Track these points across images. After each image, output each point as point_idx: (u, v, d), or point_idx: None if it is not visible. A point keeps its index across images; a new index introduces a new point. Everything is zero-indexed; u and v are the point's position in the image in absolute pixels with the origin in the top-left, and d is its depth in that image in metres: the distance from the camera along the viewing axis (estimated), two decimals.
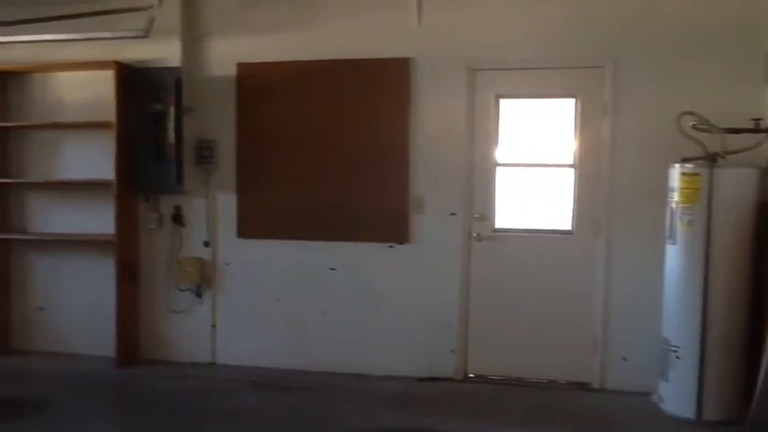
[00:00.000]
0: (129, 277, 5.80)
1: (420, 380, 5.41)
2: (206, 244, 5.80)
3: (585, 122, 5.15)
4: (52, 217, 6.10)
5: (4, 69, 5.93)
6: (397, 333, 5.46)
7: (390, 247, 5.43)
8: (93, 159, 5.87)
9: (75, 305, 6.07)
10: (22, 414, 4.70)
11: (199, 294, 5.81)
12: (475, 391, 5.22)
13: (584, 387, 5.21)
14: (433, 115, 5.33)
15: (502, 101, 5.31)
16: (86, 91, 5.88)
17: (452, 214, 5.33)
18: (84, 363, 5.88)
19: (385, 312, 5.47)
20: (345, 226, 5.49)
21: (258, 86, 5.61)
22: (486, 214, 5.34)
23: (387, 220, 5.41)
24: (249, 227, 5.70)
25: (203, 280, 5.80)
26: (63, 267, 6.10)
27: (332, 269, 5.57)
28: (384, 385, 5.31)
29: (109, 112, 5.58)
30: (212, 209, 5.76)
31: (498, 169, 5.34)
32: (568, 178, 5.23)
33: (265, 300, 5.70)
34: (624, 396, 5.05)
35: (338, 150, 5.48)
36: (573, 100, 5.18)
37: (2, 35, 5.49)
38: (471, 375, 5.42)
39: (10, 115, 6.08)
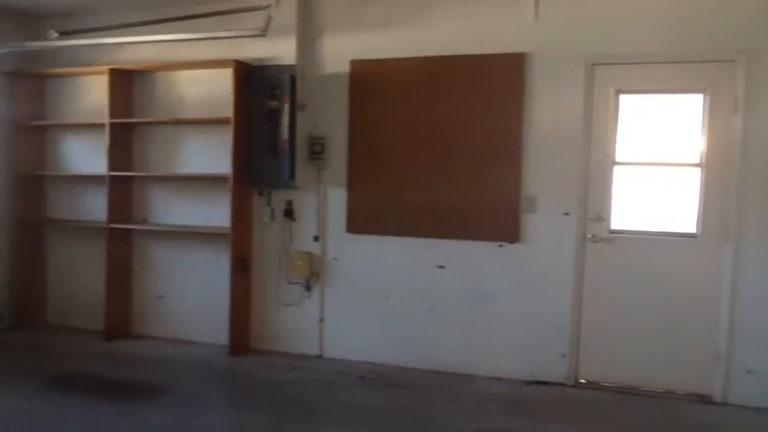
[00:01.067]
0: (242, 269, 6.07)
1: (528, 383, 5.38)
2: (316, 238, 5.99)
3: (714, 119, 4.96)
4: (171, 209, 6.49)
5: (130, 68, 6.34)
6: (505, 334, 5.46)
7: (500, 246, 5.43)
8: (211, 154, 6.19)
9: (191, 294, 6.43)
10: (144, 396, 5.04)
11: (308, 288, 6.02)
12: (586, 397, 5.14)
13: (704, 400, 5.03)
14: (547, 112, 5.28)
15: (622, 96, 5.18)
16: (206, 88, 6.21)
17: (566, 214, 5.26)
18: (199, 349, 6.22)
19: (493, 312, 5.48)
20: (455, 224, 5.54)
21: (370, 83, 5.74)
22: (602, 215, 5.24)
23: (497, 219, 5.41)
24: (358, 222, 5.84)
25: (312, 274, 6.00)
26: (180, 257, 6.47)
27: (440, 267, 5.62)
28: (491, 387, 5.33)
29: (227, 109, 5.85)
30: (323, 204, 5.94)
31: (616, 168, 5.21)
32: (694, 178, 5.05)
33: (372, 295, 5.83)
34: (750, 412, 4.85)
35: (449, 147, 5.53)
36: (701, 95, 4.97)
37: (130, 36, 5.85)
38: (582, 381, 5.34)
39: (135, 111, 6.51)
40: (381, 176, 5.76)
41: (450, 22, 5.54)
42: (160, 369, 5.67)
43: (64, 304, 7.03)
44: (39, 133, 6.93)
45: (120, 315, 6.59)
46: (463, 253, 5.57)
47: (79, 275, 6.90)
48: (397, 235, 5.75)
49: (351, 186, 5.85)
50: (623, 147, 5.25)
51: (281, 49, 5.84)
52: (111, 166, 6.33)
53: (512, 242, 5.42)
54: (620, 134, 5.25)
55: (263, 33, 5.25)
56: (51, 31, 6.06)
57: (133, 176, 6.52)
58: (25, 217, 6.85)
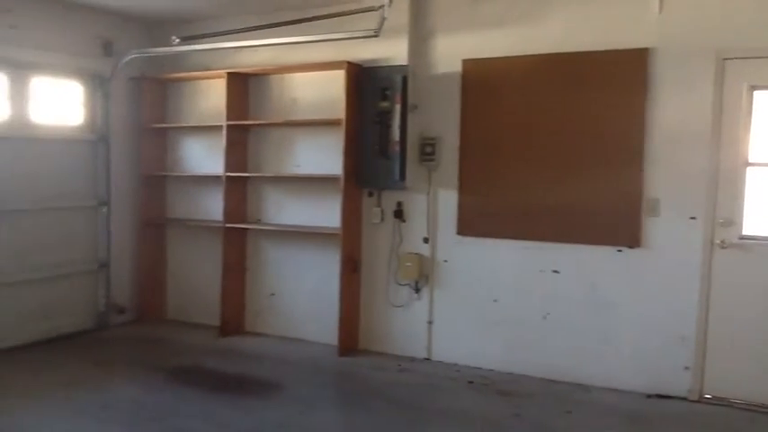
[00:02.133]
0: (351, 269, 6.21)
1: (648, 396, 5.20)
2: (425, 240, 6.04)
3: None
4: (284, 209, 6.73)
5: (246, 72, 6.62)
6: (623, 343, 5.30)
7: (619, 251, 5.28)
8: (322, 155, 6.37)
9: (301, 293, 6.65)
10: (257, 392, 5.28)
11: (417, 290, 6.08)
12: (713, 414, 4.92)
13: None
14: (672, 110, 5.09)
15: (756, 93, 4.91)
16: (318, 90, 6.41)
17: (692, 218, 5.05)
18: (309, 348, 6.42)
19: (611, 320, 5.33)
20: (570, 227, 5.44)
21: (483, 82, 5.74)
22: (733, 219, 4.99)
23: (616, 222, 5.27)
24: (469, 224, 5.85)
25: (421, 276, 6.05)
26: (292, 257, 6.70)
27: (555, 271, 5.53)
28: (607, 398, 5.20)
29: (338, 111, 6.00)
30: (433, 205, 5.99)
31: (749, 169, 4.94)
32: None
33: (483, 299, 5.81)
34: None
35: (565, 147, 5.44)
36: None
37: (246, 40, 6.11)
38: (708, 396, 5.11)
39: (250, 114, 6.79)
40: (493, 178, 5.73)
41: (566, 17, 5.45)
42: (272, 366, 5.89)
43: (182, 300, 7.43)
44: (161, 136, 7.37)
45: (235, 312, 6.89)
46: (579, 257, 5.45)
47: (196, 273, 7.27)
48: (508, 238, 5.71)
49: (462, 188, 5.86)
50: (757, 147, 4.95)
51: (392, 50, 5.93)
52: (228, 167, 6.64)
53: (632, 247, 5.25)
54: (753, 133, 4.95)
55: (376, 34, 5.35)
56: (173, 37, 6.42)
57: (248, 177, 6.80)
58: (148, 216, 7.29)
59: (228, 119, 6.58)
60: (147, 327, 7.18)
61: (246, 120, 6.74)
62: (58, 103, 6.63)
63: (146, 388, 5.26)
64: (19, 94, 6.25)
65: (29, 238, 6.36)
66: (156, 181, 7.34)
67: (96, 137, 6.93)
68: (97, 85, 6.91)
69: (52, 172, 6.54)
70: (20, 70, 6.24)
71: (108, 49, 6.85)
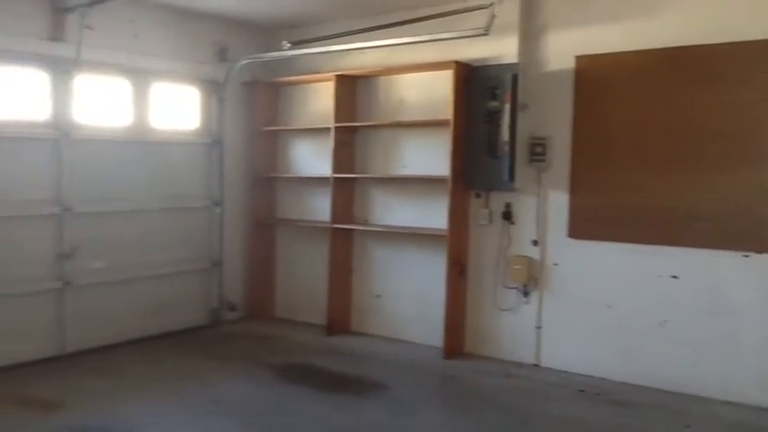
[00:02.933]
0: (458, 272, 6.21)
1: None
2: (534, 243, 5.95)
3: None
4: (390, 210, 6.81)
5: (354, 74, 6.76)
6: (747, 354, 5.04)
7: (746, 256, 5.01)
8: (429, 156, 6.41)
9: (406, 294, 6.71)
10: (363, 392, 5.38)
11: (525, 294, 5.99)
12: None
13: None
14: None
15: None
16: (425, 91, 6.46)
17: None
18: (414, 350, 6.47)
19: (735, 330, 5.08)
20: (690, 230, 5.22)
21: (597, 79, 5.60)
22: None
23: (742, 226, 5.01)
24: (581, 227, 5.71)
25: (530, 279, 5.96)
26: (398, 258, 6.78)
27: (673, 277, 5.31)
28: (728, 413, 4.95)
29: (446, 111, 6.03)
30: (543, 207, 5.89)
31: None
32: None
33: (595, 305, 5.66)
34: None
35: (685, 146, 5.23)
36: None
37: (355, 43, 6.23)
38: None
39: (358, 115, 6.92)
40: (607, 178, 5.58)
41: (687, 7, 5.24)
42: (377, 366, 5.98)
43: (290, 299, 7.67)
44: (271, 138, 7.64)
45: (341, 312, 7.03)
46: (700, 262, 5.21)
47: (304, 272, 7.49)
48: (623, 241, 5.54)
49: (573, 189, 5.73)
50: None
51: (502, 48, 5.89)
52: (336, 169, 6.79)
53: (760, 252, 4.97)
54: None
55: (485, 32, 5.32)
56: (284, 42, 6.64)
57: (355, 178, 6.94)
58: (259, 216, 7.57)
59: (336, 121, 6.74)
60: (257, 324, 7.44)
61: (354, 121, 6.87)
62: (176, 107, 6.98)
63: (255, 384, 5.46)
64: (140, 100, 6.66)
65: (149, 236, 6.76)
66: (267, 182, 7.60)
67: (211, 140, 7.27)
68: (212, 90, 7.24)
69: (170, 174, 6.92)
70: (141, 77, 6.64)
71: (223, 55, 7.17)
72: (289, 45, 6.58)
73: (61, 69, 5.95)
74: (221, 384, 5.42)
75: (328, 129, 6.80)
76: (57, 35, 5.84)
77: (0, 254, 5.66)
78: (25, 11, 5.69)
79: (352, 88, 6.88)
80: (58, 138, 5.98)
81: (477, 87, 5.95)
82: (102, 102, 6.35)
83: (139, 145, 6.61)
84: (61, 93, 5.99)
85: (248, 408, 4.94)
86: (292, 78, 7.24)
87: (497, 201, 6.10)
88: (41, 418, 4.68)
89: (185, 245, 7.08)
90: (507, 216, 6.05)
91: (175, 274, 6.99)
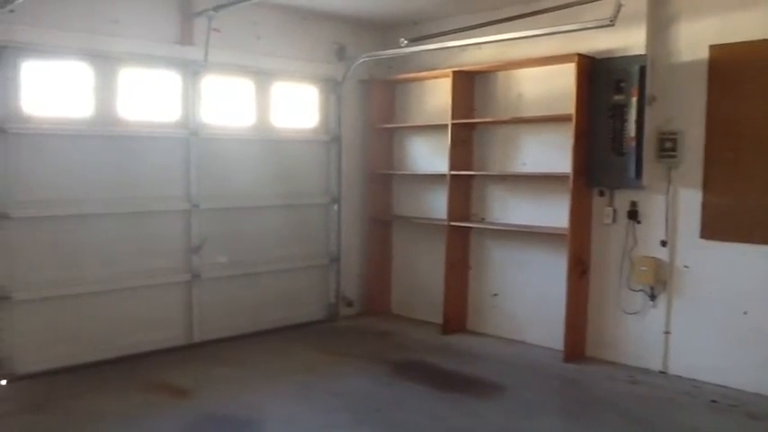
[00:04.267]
0: (579, 272, 6.03)
1: None
2: (663, 243, 5.69)
3: None
4: (508, 208, 6.72)
5: (472, 70, 6.70)
6: None
7: None
8: (549, 153, 6.26)
9: (525, 294, 6.59)
10: (480, 392, 5.34)
11: (652, 297, 5.74)
12: None
13: None
14: None
15: None
16: (545, 85, 6.31)
17: None
18: (532, 351, 6.34)
19: None
20: None
21: (734, 70, 5.30)
22: None
23: None
24: (715, 227, 5.41)
25: (658, 282, 5.70)
26: (516, 257, 6.67)
27: None
28: None
29: (567, 106, 5.86)
30: (672, 206, 5.62)
31: None
32: None
33: (730, 310, 5.35)
34: None
35: None
36: None
37: (472, 38, 6.16)
38: None
39: (475, 112, 6.87)
40: (745, 176, 5.25)
41: None
42: (494, 367, 5.91)
43: (406, 296, 7.72)
44: (388, 135, 7.70)
45: (457, 310, 7.01)
46: None
47: (420, 270, 7.51)
48: (761, 242, 5.18)
49: (707, 187, 5.43)
50: None
51: (628, 39, 5.66)
52: (452, 166, 6.76)
53: None
54: None
55: (611, 23, 5.12)
56: (402, 39, 6.66)
57: (472, 175, 6.88)
58: (375, 213, 7.66)
59: (453, 117, 6.71)
60: (373, 320, 7.54)
61: (471, 118, 6.82)
62: (296, 106, 7.18)
63: (372, 379, 5.53)
64: (262, 100, 6.89)
65: (270, 232, 6.99)
66: (383, 179, 7.68)
67: (329, 137, 7.42)
68: (330, 88, 7.39)
69: (290, 171, 7.14)
70: (263, 77, 6.87)
71: (341, 54, 7.30)
72: (406, 42, 6.60)
73: (190, 71, 6.25)
74: (339, 378, 5.54)
75: (445, 125, 6.77)
76: (186, 39, 6.14)
77: (138, 247, 6.02)
78: (159, 18, 6.03)
79: (469, 84, 6.82)
80: (188, 137, 6.30)
81: (601, 81, 5.75)
82: (227, 102, 6.60)
83: (261, 143, 6.84)
84: (190, 94, 6.29)
85: (366, 403, 5.01)
86: (409, 75, 7.27)
87: (622, 199, 5.87)
88: (175, 404, 4.96)
89: (304, 241, 7.27)
90: (633, 215, 5.81)
91: (295, 270, 7.19)
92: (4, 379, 5.37)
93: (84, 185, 5.70)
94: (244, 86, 6.71)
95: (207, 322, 6.47)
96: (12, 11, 4.98)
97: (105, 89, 5.80)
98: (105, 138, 5.81)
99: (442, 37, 6.43)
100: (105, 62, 5.77)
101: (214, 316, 6.52)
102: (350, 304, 7.59)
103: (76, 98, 5.69)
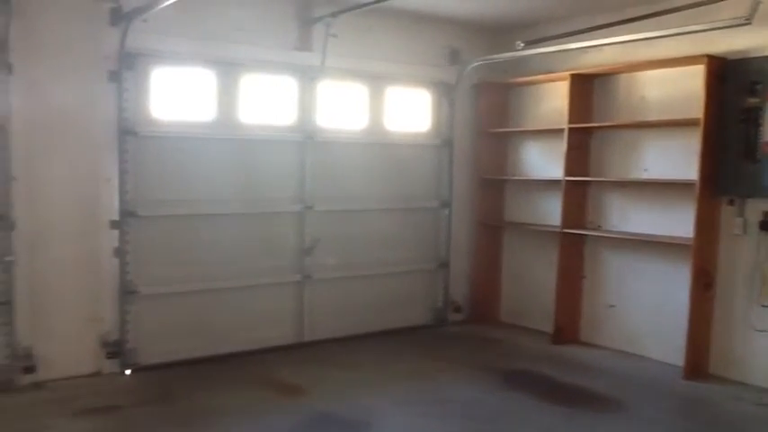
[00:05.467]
0: (703, 285, 5.71)
1: None
2: None
3: None
4: (626, 216, 6.47)
5: (591, 72, 6.51)
6: None
7: None
8: (673, 159, 5.99)
9: (643, 306, 6.31)
10: (595, 407, 5.16)
11: None
12: None
13: None
14: None
15: None
16: (671, 88, 6.03)
17: None
18: (650, 366, 6.09)
19: None
20: None
21: None
22: None
23: None
24: None
25: None
26: (634, 267, 6.40)
27: None
28: None
29: (694, 109, 5.57)
30: None
31: None
32: None
33: None
34: None
35: None
36: None
37: (593, 39, 5.95)
38: None
39: (593, 116, 6.65)
40: None
41: None
42: (610, 381, 5.69)
43: (515, 303, 7.57)
44: (500, 139, 7.58)
45: (569, 320, 6.80)
46: None
47: (531, 277, 7.34)
48: None
49: None
50: None
51: (765, 38, 5.27)
52: (568, 171, 6.57)
53: None
54: None
55: (747, 21, 4.80)
56: (518, 42, 6.53)
57: (588, 181, 6.66)
58: (486, 218, 7.56)
59: (570, 122, 6.52)
60: (481, 327, 7.44)
61: (589, 122, 6.60)
62: (408, 110, 7.18)
63: (480, 387, 5.45)
64: (375, 104, 6.94)
65: (380, 235, 7.03)
66: (495, 184, 7.56)
67: (440, 141, 7.39)
68: (443, 92, 7.36)
69: (402, 175, 7.15)
70: (377, 81, 6.91)
71: (454, 57, 7.25)
72: (522, 45, 6.47)
73: (307, 77, 6.39)
74: (449, 385, 5.51)
75: (561, 130, 6.59)
76: (304, 45, 6.27)
77: (254, 247, 6.22)
78: (277, 24, 6.21)
79: (587, 87, 6.61)
80: (303, 140, 6.43)
81: (733, 83, 5.42)
82: (341, 106, 6.70)
83: (373, 147, 6.90)
84: (306, 98, 6.42)
85: (477, 412, 4.94)
86: (524, 79, 7.14)
87: (754, 209, 5.51)
88: (289, 402, 5.07)
89: (414, 245, 7.26)
90: (765, 226, 5.44)
91: (403, 273, 7.19)
92: (130, 369, 5.61)
93: (206, 186, 5.93)
94: (357, 91, 6.77)
95: (316, 322, 6.58)
96: (145, 20, 5.22)
97: (227, 94, 6.01)
98: (226, 141, 6.03)
99: (560, 39, 6.23)
100: (228, 68, 5.98)
101: (323, 316, 6.62)
102: (458, 310, 7.52)
103: (200, 103, 5.90)
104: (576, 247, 6.75)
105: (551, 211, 6.88)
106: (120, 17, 5.28)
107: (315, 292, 6.56)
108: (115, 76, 5.42)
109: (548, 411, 4.95)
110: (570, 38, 6.16)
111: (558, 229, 6.67)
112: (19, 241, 5.14)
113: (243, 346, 6.11)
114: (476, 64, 7.10)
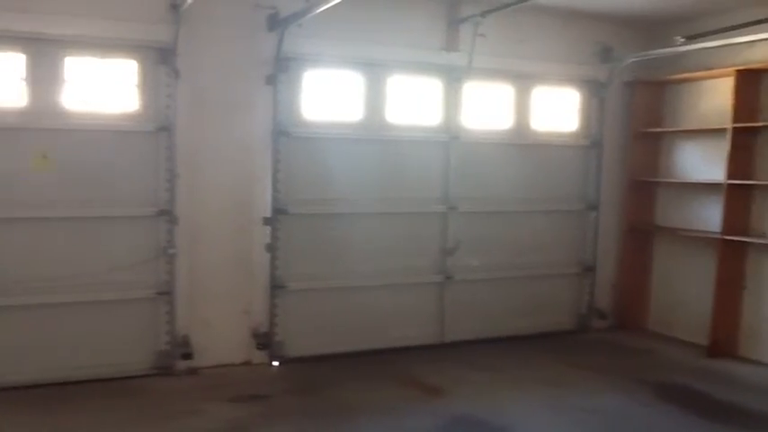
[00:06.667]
0: None
1: None
2: None
3: None
4: None
5: (760, 68, 6.06)
6: None
7: None
8: None
9: None
10: (755, 429, 4.76)
11: None
12: None
13: None
14: None
15: None
16: None
17: None
18: None
19: None
20: None
21: None
22: None
23: None
24: None
25: None
26: None
27: None
28: None
29: None
30: None
31: None
32: None
33: None
34: None
35: None
36: None
37: (761, 32, 5.49)
38: None
39: (761, 115, 6.19)
40: None
41: None
42: None
43: (665, 312, 7.19)
44: (653, 140, 7.22)
45: (727, 333, 6.37)
46: None
47: (683, 285, 6.95)
48: None
49: None
50: None
51: None
52: (730, 174, 6.16)
53: None
54: None
55: None
56: (677, 38, 6.15)
57: (754, 185, 6.18)
58: (635, 223, 7.22)
59: (735, 121, 6.10)
60: (627, 335, 7.14)
61: (757, 121, 6.13)
62: (555, 110, 7.00)
63: (627, 399, 5.23)
64: (521, 104, 6.82)
65: (522, 237, 6.91)
66: (646, 186, 7.21)
67: (589, 142, 7.13)
68: (593, 91, 7.10)
69: (546, 176, 6.98)
70: (524, 81, 6.78)
71: (605, 55, 6.98)
72: (683, 40, 6.08)
73: (453, 77, 6.37)
74: (593, 395, 5.31)
75: (722, 130, 6.18)
76: (451, 45, 6.25)
77: (398, 246, 6.32)
78: (424, 25, 6.24)
79: (755, 84, 6.14)
80: (448, 141, 6.42)
81: None
82: (486, 106, 6.64)
83: (518, 147, 6.78)
84: (452, 98, 6.41)
85: (623, 424, 4.76)
86: (681, 76, 6.73)
87: None
88: (429, 402, 5.08)
89: (557, 248, 7.07)
90: None
91: (545, 277, 7.02)
92: (277, 360, 5.84)
93: (351, 186, 6.08)
94: (503, 90, 6.68)
95: (457, 323, 6.55)
96: (300, 25, 5.39)
97: (374, 95, 6.13)
98: (371, 141, 6.15)
99: (726, 33, 5.80)
100: (375, 69, 6.09)
101: (464, 318, 6.59)
102: (602, 317, 7.23)
103: (348, 104, 6.04)
104: (737, 255, 6.29)
105: (709, 217, 6.46)
106: (276, 23, 5.48)
107: (456, 293, 6.54)
108: (271, 80, 5.64)
109: (700, 429, 4.63)
110: (735, 31, 5.72)
111: (717, 236, 6.26)
112: (181, 235, 5.45)
113: (382, 343, 6.21)
114: (629, 61, 6.77)
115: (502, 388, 5.34)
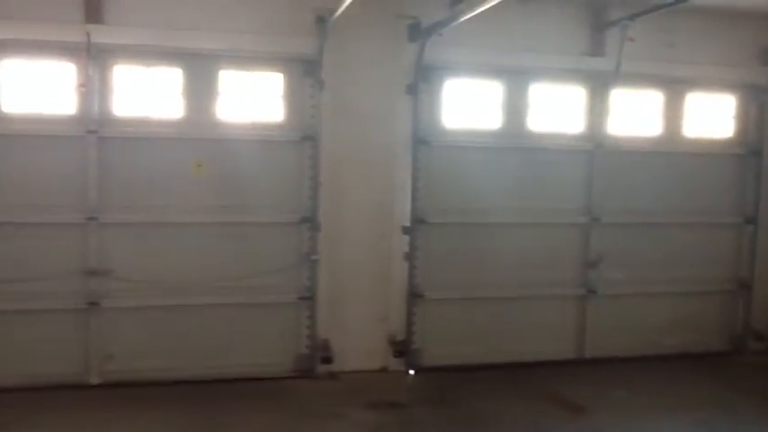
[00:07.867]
0: None
1: None
2: None
3: None
4: None
5: None
6: None
7: None
8: None
9: None
10: None
11: None
12: None
13: None
14: None
15: None
16: None
17: None
18: None
19: None
20: None
21: None
22: None
23: None
24: None
25: None
26: None
27: None
28: None
29: None
30: None
31: None
32: None
33: None
34: None
35: None
36: None
37: None
38: None
39: None
40: None
41: None
42: None
43: None
44: None
45: None
46: None
47: None
48: None
49: None
50: None
51: None
52: None
53: None
54: None
55: None
56: None
57: None
58: None
59: None
60: None
61: None
62: (708, 116, 6.56)
63: None
64: (671, 110, 6.44)
65: (669, 250, 6.50)
66: None
67: (746, 150, 6.64)
68: (751, 96, 6.61)
69: (696, 187, 6.55)
70: (673, 86, 6.41)
71: (766, 57, 6.43)
72: None
73: (598, 83, 6.12)
74: (751, 420, 4.88)
75: None
76: (596, 50, 6.01)
77: (537, 257, 6.15)
78: (567, 30, 6.04)
79: None
80: (592, 149, 6.19)
81: None
82: (633, 113, 6.33)
83: (667, 156, 6.43)
84: (596, 105, 6.16)
85: None
86: None
87: None
88: (572, 420, 4.88)
89: (709, 263, 6.61)
90: None
91: (695, 294, 6.59)
92: (413, 369, 5.82)
93: (491, 195, 5.98)
94: (652, 97, 6.36)
95: (599, 339, 6.29)
96: (440, 34, 5.37)
97: (513, 103, 6.01)
98: (511, 150, 6.03)
99: None
100: (515, 77, 5.99)
101: (606, 333, 6.31)
102: (759, 338, 6.68)
103: (488, 112, 5.95)
104: None
105: None
106: (417, 33, 5.48)
107: (599, 308, 6.27)
108: (412, 89, 5.66)
109: None
110: None
111: None
112: (323, 242, 5.55)
113: (519, 356, 6.06)
114: None
115: (651, 411, 5.06)
